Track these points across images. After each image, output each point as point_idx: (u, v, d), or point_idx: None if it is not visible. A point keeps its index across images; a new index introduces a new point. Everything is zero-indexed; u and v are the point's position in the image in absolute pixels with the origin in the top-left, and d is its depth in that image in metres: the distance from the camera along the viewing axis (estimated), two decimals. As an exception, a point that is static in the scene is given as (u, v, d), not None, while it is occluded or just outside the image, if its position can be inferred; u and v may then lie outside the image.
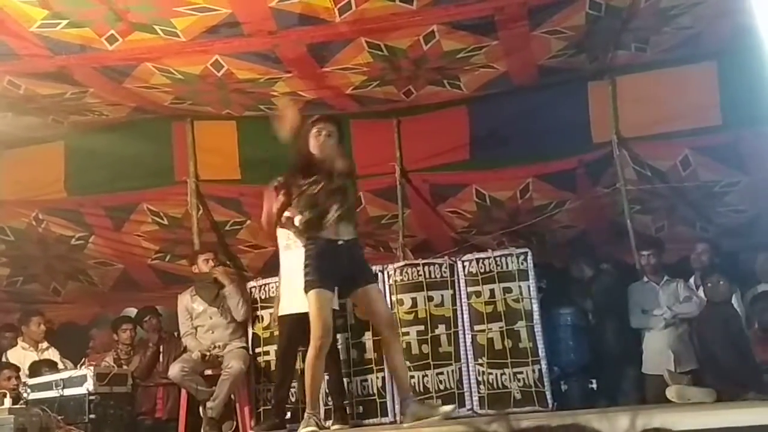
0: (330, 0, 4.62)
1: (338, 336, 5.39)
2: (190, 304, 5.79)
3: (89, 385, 5.11)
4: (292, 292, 5.22)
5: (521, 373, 5.20)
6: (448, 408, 4.21)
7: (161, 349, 6.33)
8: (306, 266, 4.22)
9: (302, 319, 5.16)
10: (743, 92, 5.55)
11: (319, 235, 4.22)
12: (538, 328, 5.26)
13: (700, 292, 5.61)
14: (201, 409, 5.58)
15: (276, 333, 5.48)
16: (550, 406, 5.11)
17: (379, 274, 5.48)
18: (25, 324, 6.34)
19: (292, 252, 5.28)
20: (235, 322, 5.74)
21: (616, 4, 5.05)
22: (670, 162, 6.31)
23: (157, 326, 6.45)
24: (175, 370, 5.47)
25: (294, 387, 5.48)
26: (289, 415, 5.36)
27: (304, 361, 5.33)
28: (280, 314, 5.33)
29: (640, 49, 5.77)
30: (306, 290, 4.21)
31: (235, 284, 5.85)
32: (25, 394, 5.19)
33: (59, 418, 4.82)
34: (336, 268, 4.23)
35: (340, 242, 4.22)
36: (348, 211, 4.27)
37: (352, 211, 4.41)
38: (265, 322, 5.66)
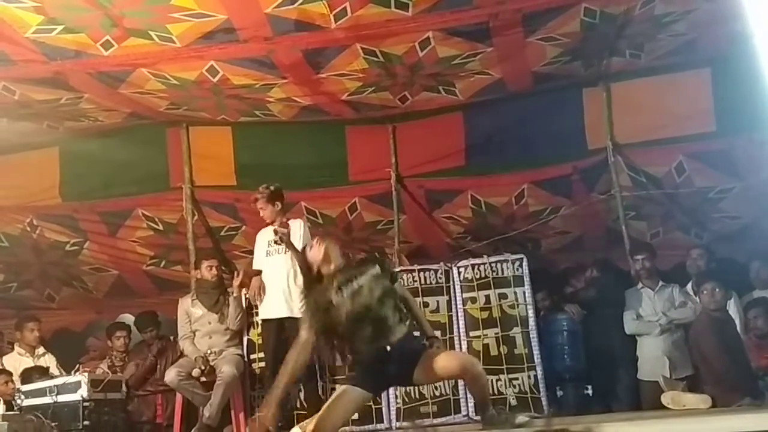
0: (326, 6, 4.63)
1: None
2: (190, 308, 5.80)
3: (83, 392, 5.09)
4: (272, 297, 5.36)
5: (517, 379, 5.20)
6: (523, 418, 3.87)
7: (157, 360, 6.29)
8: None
9: (282, 322, 5.28)
10: (737, 99, 5.58)
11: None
12: (533, 334, 5.27)
13: (696, 298, 5.62)
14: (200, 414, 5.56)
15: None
16: (546, 412, 5.11)
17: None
18: (19, 330, 6.32)
19: (272, 258, 5.44)
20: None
21: (610, 11, 5.06)
22: (664, 168, 6.32)
23: (157, 338, 6.40)
24: (171, 375, 5.46)
25: (290, 393, 5.48)
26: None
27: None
28: (261, 319, 5.49)
29: (634, 56, 5.79)
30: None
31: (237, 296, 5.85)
32: (18, 401, 5.17)
33: (53, 424, 4.81)
34: (382, 372, 3.85)
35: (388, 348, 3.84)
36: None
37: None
38: (260, 329, 5.66)
